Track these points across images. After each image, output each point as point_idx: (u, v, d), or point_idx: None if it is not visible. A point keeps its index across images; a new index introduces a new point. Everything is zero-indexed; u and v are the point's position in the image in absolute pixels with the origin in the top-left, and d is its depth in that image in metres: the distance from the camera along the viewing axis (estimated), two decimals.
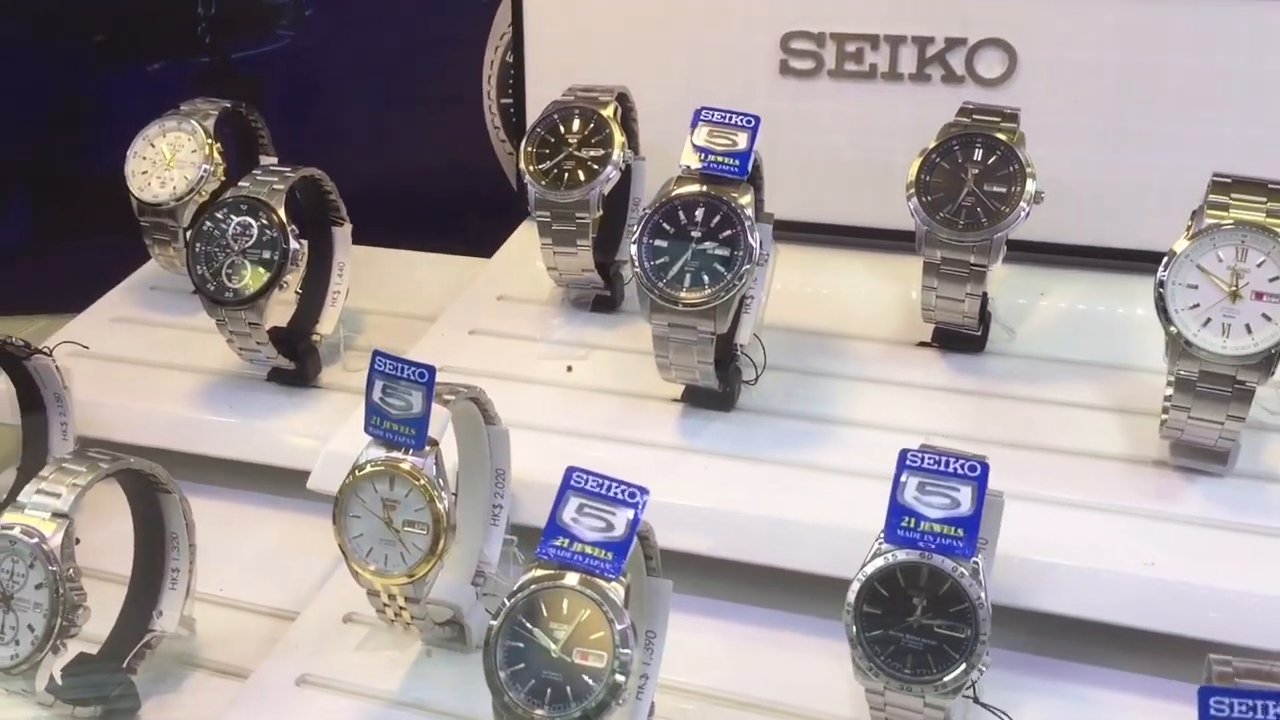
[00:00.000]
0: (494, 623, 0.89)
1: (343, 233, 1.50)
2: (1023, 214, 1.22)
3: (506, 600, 0.89)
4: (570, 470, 0.92)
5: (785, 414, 1.29)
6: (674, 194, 1.20)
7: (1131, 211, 1.45)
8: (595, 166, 1.38)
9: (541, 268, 1.53)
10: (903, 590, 0.90)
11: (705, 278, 1.18)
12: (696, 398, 1.29)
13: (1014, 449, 1.19)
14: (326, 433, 1.36)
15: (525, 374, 1.38)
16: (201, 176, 1.54)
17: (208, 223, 1.37)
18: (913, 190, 1.25)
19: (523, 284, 1.56)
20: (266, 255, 1.36)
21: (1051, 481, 1.13)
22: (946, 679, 0.88)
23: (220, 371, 1.50)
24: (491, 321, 1.48)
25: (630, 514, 0.90)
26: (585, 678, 0.86)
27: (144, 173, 1.56)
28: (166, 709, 1.16)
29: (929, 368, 1.34)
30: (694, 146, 1.20)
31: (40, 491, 1.07)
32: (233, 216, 1.37)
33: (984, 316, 1.32)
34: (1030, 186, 1.23)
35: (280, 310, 1.44)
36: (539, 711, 0.86)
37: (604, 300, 1.47)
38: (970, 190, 1.24)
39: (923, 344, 1.37)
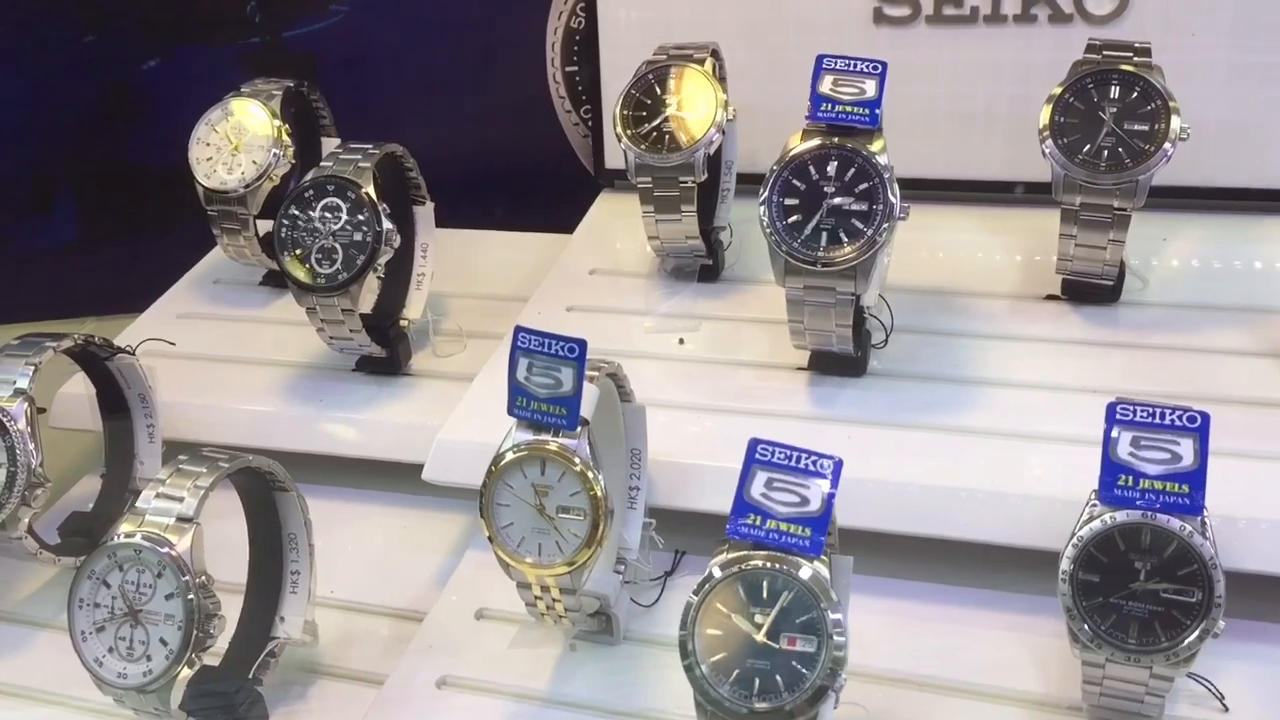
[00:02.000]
0: (693, 604, 0.82)
1: (425, 212, 1.43)
2: (1168, 153, 1.16)
3: (697, 590, 0.82)
4: (754, 442, 0.85)
5: (919, 376, 1.22)
6: (802, 148, 1.12)
7: (1254, 149, 1.38)
8: (697, 129, 1.30)
9: (631, 239, 1.47)
10: (1123, 554, 0.83)
11: (843, 235, 1.11)
12: (824, 364, 1.22)
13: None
14: (427, 422, 1.29)
15: (635, 349, 1.30)
16: (271, 161, 1.46)
17: (294, 207, 1.30)
18: (1047, 133, 1.18)
19: (613, 257, 1.49)
20: (358, 237, 1.28)
21: (1234, 434, 1.06)
22: (1179, 647, 0.82)
23: (302, 364, 1.43)
24: (588, 297, 1.41)
25: (825, 486, 0.83)
26: (796, 665, 0.79)
27: (208, 159, 1.48)
28: (297, 717, 1.10)
29: (1062, 321, 1.27)
30: (819, 96, 1.13)
31: (161, 496, 0.99)
32: (320, 199, 1.29)
33: (1120, 265, 1.25)
34: (1175, 123, 1.16)
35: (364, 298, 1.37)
36: (760, 705, 0.79)
37: (706, 270, 1.40)
38: (1110, 130, 1.17)
39: (1050, 297, 1.30)
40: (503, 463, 0.96)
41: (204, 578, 0.96)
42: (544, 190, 1.81)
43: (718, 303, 1.37)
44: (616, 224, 1.54)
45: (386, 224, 1.28)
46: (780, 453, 0.84)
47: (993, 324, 1.28)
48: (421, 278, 1.42)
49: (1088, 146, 1.17)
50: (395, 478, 1.32)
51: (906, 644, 1.04)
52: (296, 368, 1.43)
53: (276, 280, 1.58)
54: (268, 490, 1.09)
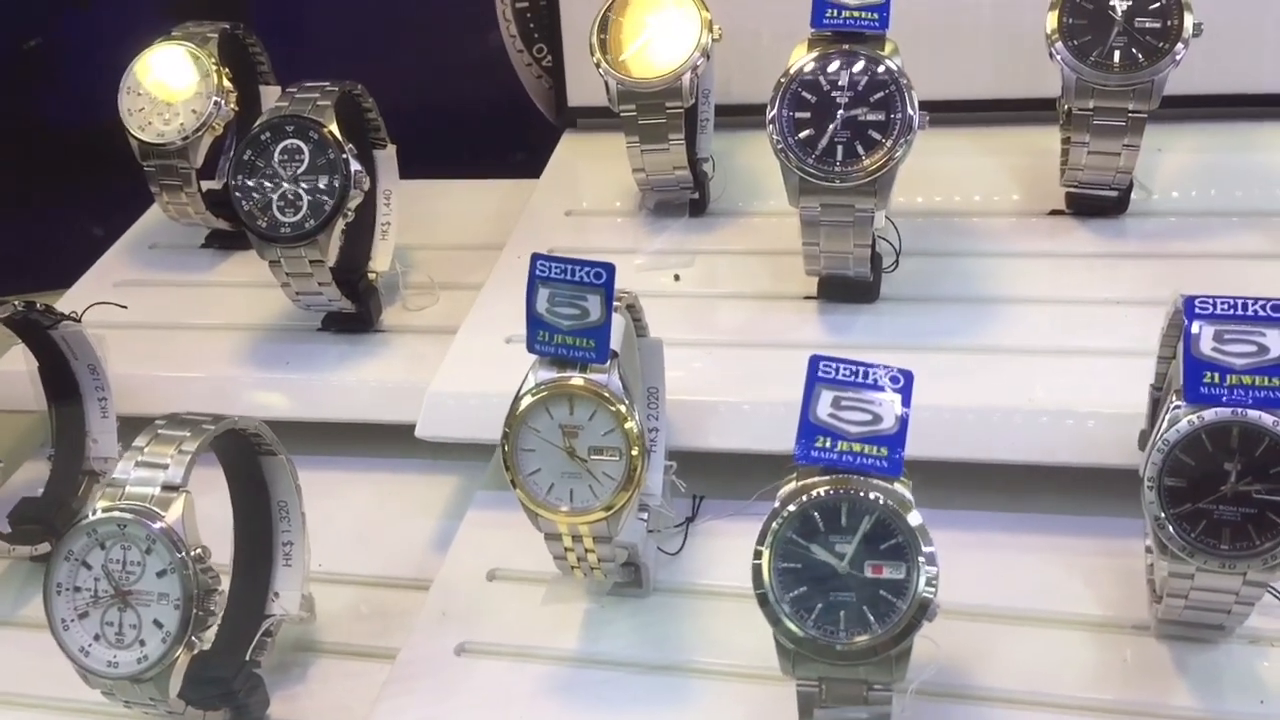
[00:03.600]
0: (763, 546, 0.75)
1: (386, 156, 1.33)
2: (1181, 51, 1.11)
3: (774, 519, 0.75)
4: (815, 359, 0.78)
5: (933, 299, 1.16)
6: (809, 58, 1.05)
7: (1248, 54, 1.34)
8: (681, 50, 1.22)
9: (605, 178, 1.39)
10: (1211, 456, 0.78)
11: (860, 148, 1.04)
12: (834, 291, 1.15)
13: None
14: (408, 379, 1.21)
15: (628, 287, 1.22)
16: (212, 110, 1.34)
17: (248, 151, 1.19)
18: (1056, 36, 1.13)
19: (588, 197, 1.41)
20: (324, 182, 1.18)
21: None
22: (1276, 550, 0.77)
23: (262, 326, 1.33)
24: (569, 239, 1.33)
25: (897, 400, 0.76)
26: (885, 594, 0.73)
27: (140, 110, 1.36)
28: (299, 701, 1.01)
29: (1070, 235, 1.22)
30: (822, 2, 1.06)
31: (141, 464, 0.89)
32: (278, 141, 1.19)
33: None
34: (1189, 19, 1.11)
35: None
36: (859, 636, 0.72)
37: (693, 204, 1.32)
38: (1121, 29, 1.12)
39: (1055, 212, 1.25)
40: (525, 404, 0.88)
41: (200, 550, 0.87)
42: (494, 136, 1.72)
43: (709, 236, 1.30)
44: (586, 165, 1.46)
45: (354, 165, 1.18)
46: (845, 369, 0.77)
47: (1000, 242, 1.23)
48: (386, 227, 1.33)
49: (1099, 49, 1.12)
50: (374, 441, 1.24)
51: (949, 574, 0.98)
52: (256, 330, 1.32)
53: (221, 240, 1.47)
54: (253, 455, 1.00)
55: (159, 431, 0.91)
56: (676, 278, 1.24)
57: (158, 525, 0.86)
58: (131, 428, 1.21)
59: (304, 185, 1.18)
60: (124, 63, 1.39)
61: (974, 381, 1.06)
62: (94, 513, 0.88)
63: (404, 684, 0.96)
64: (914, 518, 0.74)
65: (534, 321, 0.88)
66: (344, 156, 1.17)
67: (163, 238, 1.51)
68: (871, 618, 0.73)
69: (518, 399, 0.88)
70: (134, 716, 0.94)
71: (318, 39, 1.69)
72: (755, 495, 1.06)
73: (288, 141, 1.18)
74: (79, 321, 1.17)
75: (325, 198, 1.18)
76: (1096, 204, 1.22)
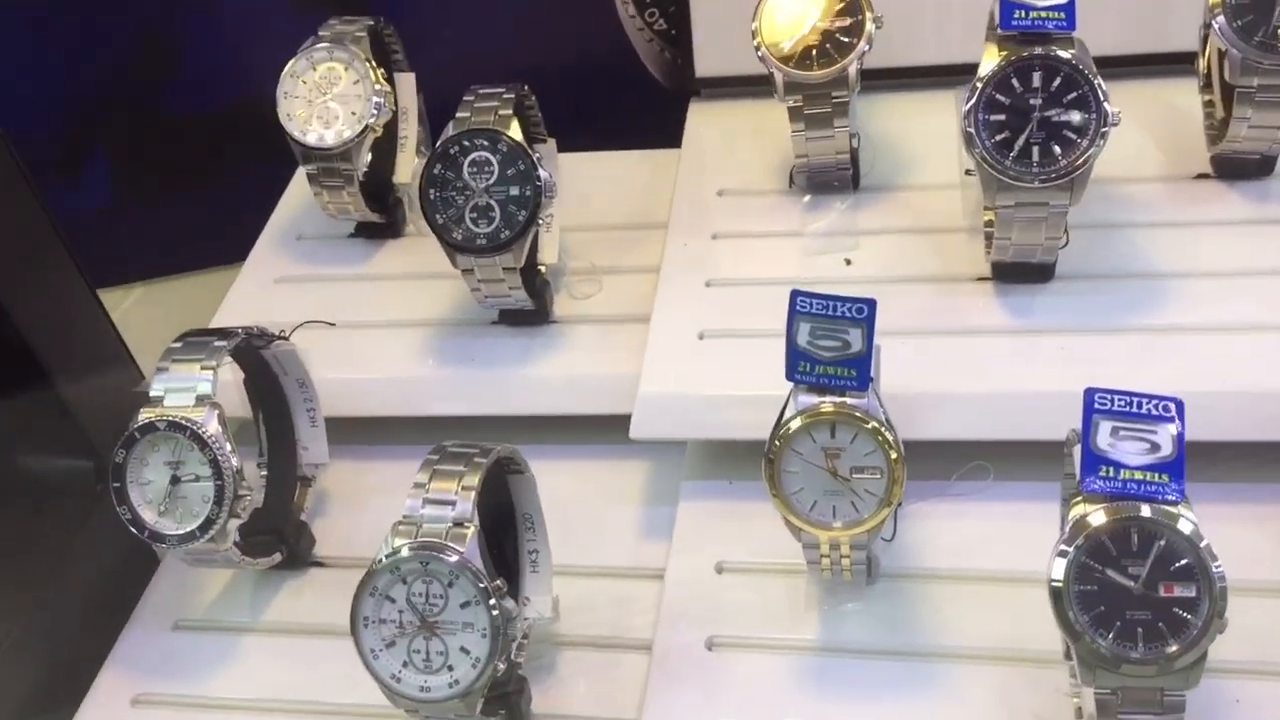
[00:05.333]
0: (1057, 574, 0.82)
1: (547, 150, 1.36)
2: None
3: (1063, 546, 0.82)
4: (1091, 393, 0.85)
5: (1105, 275, 1.21)
6: (1002, 61, 1.09)
7: None
8: (846, 39, 1.25)
9: (749, 154, 1.43)
10: None
11: (1055, 148, 1.09)
12: (1009, 273, 1.21)
13: None
14: (596, 371, 1.27)
15: (803, 275, 1.27)
16: (373, 111, 1.37)
17: (438, 165, 1.22)
18: (1219, 11, 1.16)
19: (735, 174, 1.44)
20: (514, 191, 1.22)
21: None
22: None
23: (435, 321, 1.37)
24: (729, 222, 1.37)
25: (1173, 429, 0.83)
26: (1179, 611, 0.81)
27: (299, 114, 1.38)
28: (558, 693, 1.09)
29: (1224, 200, 1.27)
30: (1009, 3, 1.10)
31: (430, 502, 0.95)
32: (467, 154, 1.22)
33: None
34: None
35: None
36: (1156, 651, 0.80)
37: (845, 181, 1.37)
38: None
39: (1201, 176, 1.30)
40: (790, 430, 0.94)
41: (500, 581, 0.94)
42: (605, 103, 1.73)
43: (869, 214, 1.34)
44: (723, 138, 1.49)
45: (543, 172, 1.22)
46: (1120, 400, 0.84)
47: (1156, 210, 1.28)
48: (550, 219, 1.36)
49: (1263, 28, 1.16)
50: (566, 431, 1.29)
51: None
52: (430, 326, 1.37)
53: (369, 231, 1.50)
54: (503, 474, 1.06)
55: (437, 468, 0.97)
56: (848, 262, 1.29)
57: (455, 559, 0.93)
58: (340, 431, 1.28)
59: (495, 196, 1.22)
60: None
61: (1176, 362, 1.11)
62: (391, 552, 0.94)
63: (666, 679, 1.04)
64: (1198, 537, 0.81)
65: (796, 354, 0.93)
66: (535, 168, 1.21)
67: (308, 228, 1.55)
68: (1167, 633, 0.80)
69: (781, 425, 0.95)
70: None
71: (425, 21, 1.69)
72: (955, 476, 1.14)
73: (477, 154, 1.22)
74: (288, 340, 1.22)
75: (517, 207, 1.22)
76: (1242, 167, 1.27)
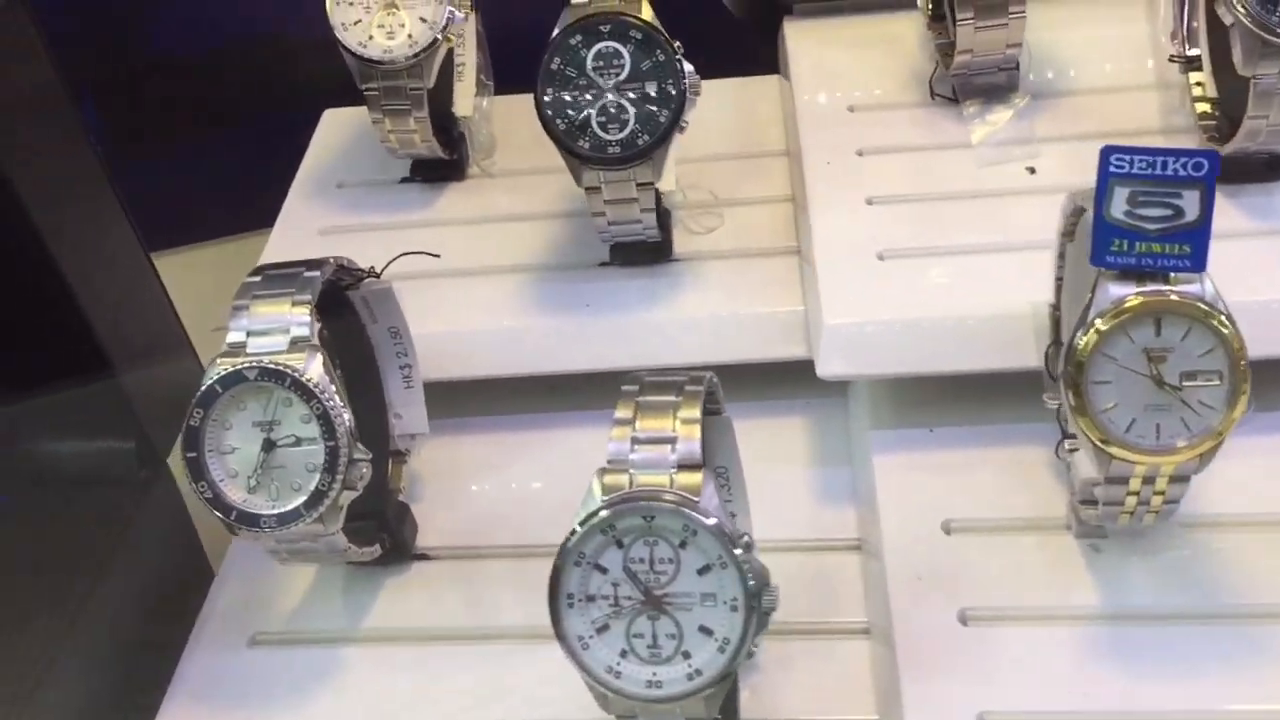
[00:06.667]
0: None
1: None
2: None
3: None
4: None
5: None
6: None
7: None
8: None
9: (867, 67, 1.25)
10: None
11: None
12: (1238, 171, 1.03)
13: None
14: (738, 311, 1.07)
15: (983, 187, 1.09)
16: (446, 17, 1.15)
17: (557, 59, 1.00)
18: None
19: (864, 90, 1.24)
20: (652, 89, 1.01)
21: None
22: None
23: (529, 266, 1.15)
24: (874, 137, 1.17)
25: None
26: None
27: (357, 22, 1.15)
28: (768, 694, 0.87)
29: None
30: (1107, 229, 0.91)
31: (643, 442, 0.73)
32: (591, 44, 1.00)
33: None
34: None
35: None
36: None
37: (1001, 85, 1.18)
38: None
39: None
40: (1099, 330, 0.74)
41: (747, 537, 0.72)
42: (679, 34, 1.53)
43: (1041, 120, 1.16)
44: (835, 54, 1.30)
45: (687, 66, 1.01)
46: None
47: None
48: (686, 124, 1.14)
49: None
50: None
51: None
52: (528, 272, 1.15)
53: (428, 172, 1.28)
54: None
55: (641, 399, 0.75)
56: (1031, 171, 1.10)
57: (697, 514, 0.71)
58: (436, 396, 1.05)
59: (629, 95, 1.00)
60: None
61: None
62: (602, 508, 0.71)
63: (918, 666, 0.82)
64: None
65: (1107, 228, 0.73)
66: (676, 57, 1.00)
67: (347, 175, 1.31)
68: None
69: (1085, 324, 0.74)
70: None
71: None
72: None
73: (603, 45, 1.00)
74: (379, 278, 0.98)
75: (656, 107, 1.00)
76: None
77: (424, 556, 1.01)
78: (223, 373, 0.84)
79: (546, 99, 1.01)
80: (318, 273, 0.89)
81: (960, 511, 0.92)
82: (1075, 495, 0.87)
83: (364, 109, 1.21)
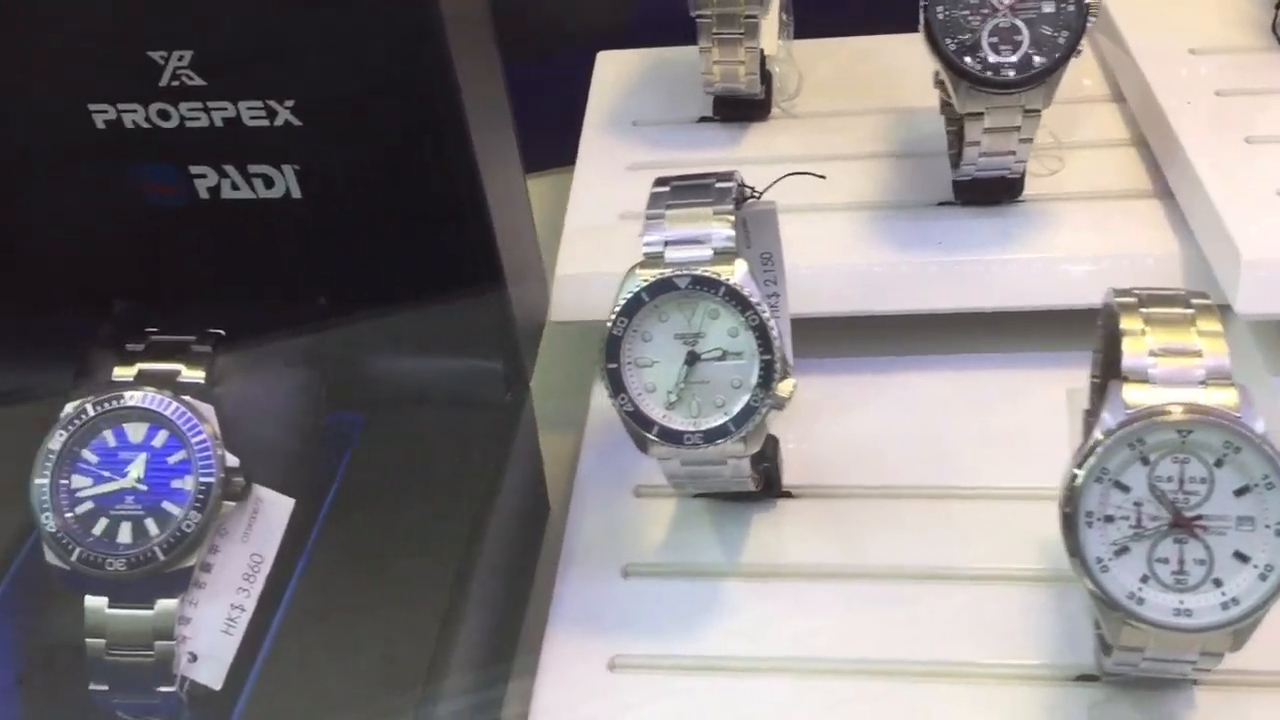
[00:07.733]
0: None
1: None
2: None
3: None
4: None
5: None
6: None
7: None
8: None
9: (1194, 11, 1.21)
10: None
11: None
12: None
13: None
14: (1100, 251, 1.02)
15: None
16: None
17: None
18: None
19: (1199, 34, 1.19)
20: (1047, 8, 0.96)
21: None
22: None
23: (869, 204, 1.11)
24: (1229, 79, 1.11)
25: None
26: None
27: None
28: None
29: None
30: None
31: (1165, 355, 0.68)
32: None
33: None
34: None
35: None
36: None
37: None
38: None
39: None
40: None
41: None
42: None
43: None
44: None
45: None
46: None
47: None
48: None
49: None
50: (1038, 331, 1.03)
51: None
52: (867, 210, 1.11)
53: (729, 112, 1.23)
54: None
55: (1145, 311, 0.70)
56: None
57: (1240, 429, 0.65)
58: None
59: (1023, 15, 0.96)
60: None
61: None
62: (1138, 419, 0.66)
63: None
64: None
65: None
66: None
67: (641, 114, 1.28)
68: None
69: None
70: None
71: None
72: None
73: None
74: (759, 197, 0.94)
75: (1051, 29, 0.95)
76: None
77: (788, 494, 0.97)
78: (652, 279, 0.80)
79: (940, 17, 0.96)
80: (732, 183, 0.85)
81: None
82: None
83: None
